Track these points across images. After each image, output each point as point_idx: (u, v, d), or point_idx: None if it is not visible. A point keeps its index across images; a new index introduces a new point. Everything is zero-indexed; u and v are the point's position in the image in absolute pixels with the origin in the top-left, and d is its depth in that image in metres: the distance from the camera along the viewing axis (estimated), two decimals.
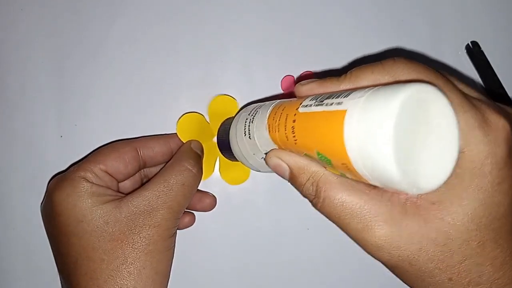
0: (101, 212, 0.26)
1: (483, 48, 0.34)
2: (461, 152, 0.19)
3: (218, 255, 0.35)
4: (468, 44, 0.34)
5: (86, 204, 0.26)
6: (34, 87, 0.34)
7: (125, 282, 0.25)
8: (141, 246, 0.26)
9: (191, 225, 0.33)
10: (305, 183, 0.22)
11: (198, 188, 0.34)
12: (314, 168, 0.21)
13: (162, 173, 0.28)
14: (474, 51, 0.34)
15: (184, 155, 0.29)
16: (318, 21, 0.34)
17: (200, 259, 0.35)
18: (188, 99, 0.34)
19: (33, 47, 0.34)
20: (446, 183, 0.17)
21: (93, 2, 0.34)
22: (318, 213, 0.30)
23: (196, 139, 0.32)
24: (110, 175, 0.29)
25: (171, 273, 0.32)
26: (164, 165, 0.30)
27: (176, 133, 0.32)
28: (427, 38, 0.34)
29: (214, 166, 0.33)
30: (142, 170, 0.32)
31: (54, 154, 0.33)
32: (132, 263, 0.26)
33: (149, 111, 0.34)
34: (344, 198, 0.20)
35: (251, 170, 0.32)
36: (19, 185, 0.34)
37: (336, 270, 0.35)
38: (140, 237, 0.26)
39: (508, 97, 0.34)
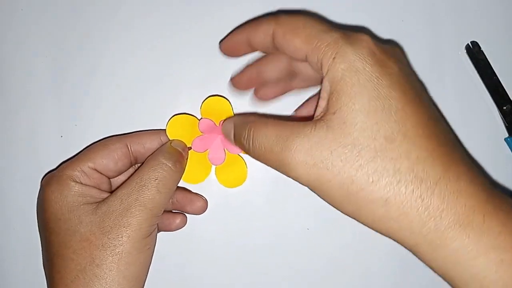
0: (78, 212, 0.26)
1: (483, 48, 0.34)
2: (332, 60, 0.22)
3: (217, 255, 0.35)
4: (468, 44, 0.34)
5: (66, 203, 0.27)
6: (34, 87, 0.34)
7: (90, 284, 0.25)
8: (110, 248, 0.25)
9: (183, 226, 0.33)
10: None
11: (191, 190, 0.33)
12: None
13: (137, 171, 0.28)
14: (474, 51, 0.34)
15: (160, 151, 0.29)
16: None
17: (198, 260, 0.35)
18: (189, 99, 0.33)
19: (33, 47, 0.34)
20: (336, 91, 0.21)
21: (93, 2, 0.34)
22: (318, 213, 0.31)
23: (180, 139, 0.31)
24: (99, 172, 0.29)
25: (169, 274, 0.32)
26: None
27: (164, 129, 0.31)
28: (427, 38, 0.34)
29: (210, 169, 0.32)
30: (136, 165, 0.32)
31: (54, 154, 0.33)
32: (98, 265, 0.25)
33: (149, 111, 0.34)
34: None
35: (247, 172, 0.32)
36: (19, 185, 0.34)
37: (336, 270, 0.35)
38: (109, 238, 0.25)
39: (508, 97, 0.34)
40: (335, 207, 0.22)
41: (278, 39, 0.24)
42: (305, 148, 0.21)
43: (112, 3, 0.34)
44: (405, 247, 0.22)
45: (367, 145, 0.20)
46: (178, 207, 0.33)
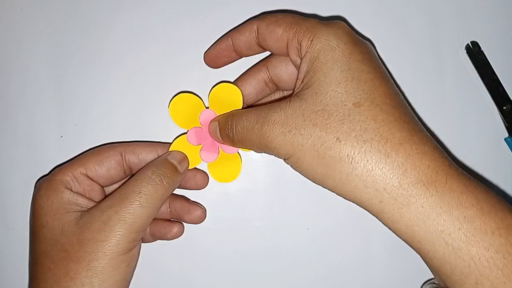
0: (62, 220, 0.26)
1: (483, 48, 0.34)
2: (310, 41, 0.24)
3: (217, 255, 0.35)
4: (468, 44, 0.34)
5: (51, 210, 0.26)
6: (34, 87, 0.34)
7: None
8: (84, 262, 0.24)
9: (180, 235, 0.32)
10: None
11: (188, 198, 0.33)
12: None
13: (125, 183, 0.27)
14: (474, 51, 0.34)
15: (152, 164, 0.28)
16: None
17: (199, 260, 0.34)
18: None
19: (33, 47, 0.34)
20: (312, 69, 0.23)
21: (94, 2, 0.34)
22: (318, 213, 0.31)
23: (180, 151, 0.30)
24: (90, 179, 0.28)
25: (170, 274, 0.32)
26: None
27: (165, 142, 0.31)
28: (427, 38, 0.34)
29: (199, 162, 0.31)
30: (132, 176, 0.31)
31: (54, 154, 0.33)
32: (72, 278, 0.24)
33: (149, 111, 0.34)
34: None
35: (241, 167, 0.32)
36: (19, 185, 0.34)
37: (336, 270, 0.35)
38: (84, 252, 0.24)
39: (508, 97, 0.34)
40: (308, 175, 0.23)
41: (261, 30, 0.26)
42: (281, 119, 0.23)
43: (113, 4, 0.34)
44: (372, 211, 0.22)
45: (336, 109, 0.22)
46: (175, 216, 0.32)
